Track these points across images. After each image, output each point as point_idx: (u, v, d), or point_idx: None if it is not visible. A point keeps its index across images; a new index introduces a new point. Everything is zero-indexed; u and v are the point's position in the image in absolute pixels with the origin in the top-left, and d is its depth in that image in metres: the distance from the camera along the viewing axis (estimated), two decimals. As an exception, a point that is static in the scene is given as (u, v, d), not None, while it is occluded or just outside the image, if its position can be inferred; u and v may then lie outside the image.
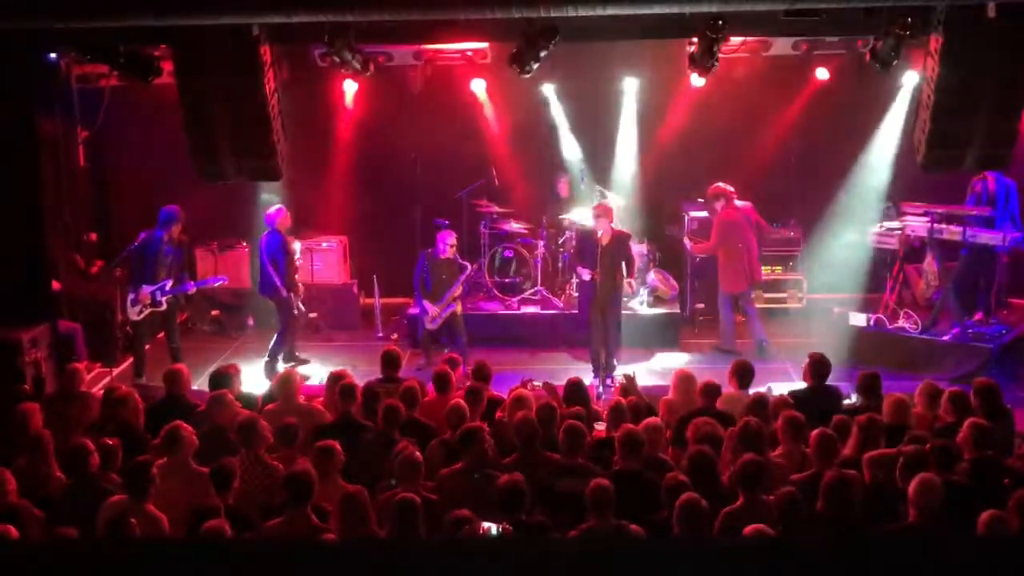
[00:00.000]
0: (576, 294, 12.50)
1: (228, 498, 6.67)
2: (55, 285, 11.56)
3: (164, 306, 11.56)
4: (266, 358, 11.84)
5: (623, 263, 11.42)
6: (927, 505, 6.20)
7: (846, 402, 8.69)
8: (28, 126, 10.90)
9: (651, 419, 7.71)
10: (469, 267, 12.02)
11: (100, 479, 7.07)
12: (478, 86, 13.24)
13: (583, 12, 9.02)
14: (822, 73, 12.90)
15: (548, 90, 13.75)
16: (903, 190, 12.72)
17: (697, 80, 11.98)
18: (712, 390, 8.34)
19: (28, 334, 10.57)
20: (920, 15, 9.71)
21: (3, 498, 6.67)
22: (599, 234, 11.21)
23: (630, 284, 11.52)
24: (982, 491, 6.66)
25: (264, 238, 12.03)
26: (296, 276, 12.22)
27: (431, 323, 12.00)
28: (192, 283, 11.95)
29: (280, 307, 12.03)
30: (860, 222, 12.88)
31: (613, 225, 11.40)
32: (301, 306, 12.23)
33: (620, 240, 11.39)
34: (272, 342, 11.98)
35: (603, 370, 11.32)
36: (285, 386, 8.66)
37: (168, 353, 11.78)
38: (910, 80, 12.25)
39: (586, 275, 11.31)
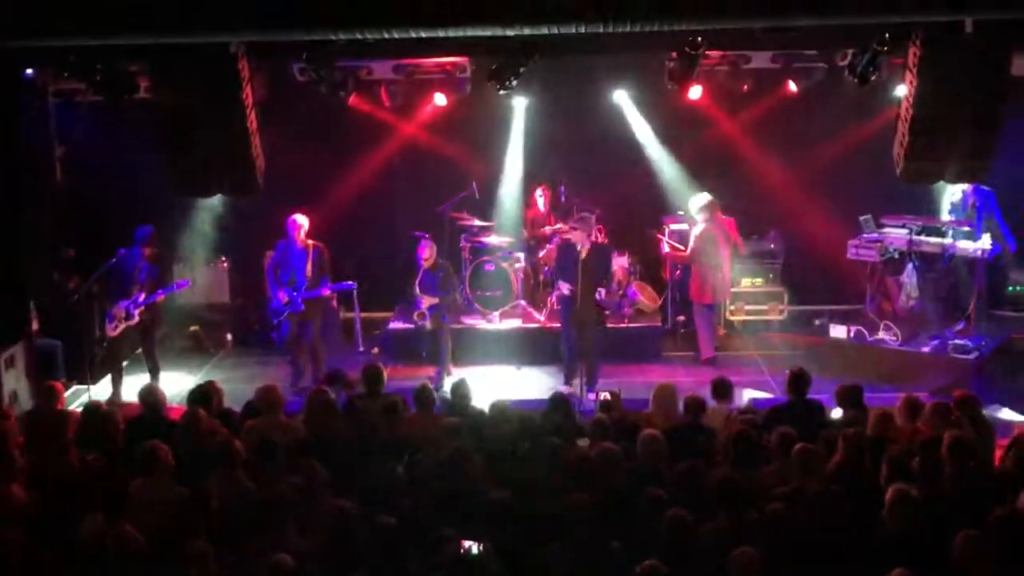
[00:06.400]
0: (558, 307, 12.46)
1: (207, 520, 6.60)
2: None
3: (136, 319, 11.43)
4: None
5: (603, 273, 11.40)
6: (903, 517, 6.21)
7: (833, 415, 8.67)
8: (6, 142, 10.83)
9: (648, 431, 7.67)
10: (420, 302, 12.10)
11: (80, 498, 6.99)
12: (450, 99, 13.22)
13: (560, 30, 9.07)
14: (795, 86, 12.90)
15: (530, 104, 13.78)
16: (881, 201, 12.74)
17: (694, 93, 12.12)
18: (696, 405, 8.32)
19: (4, 352, 10.50)
20: (898, 30, 9.77)
21: None
22: (578, 247, 11.20)
23: (599, 292, 11.40)
24: (962, 504, 6.66)
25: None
26: None
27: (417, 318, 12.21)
28: (161, 291, 11.78)
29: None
30: (840, 233, 12.88)
31: (592, 238, 11.38)
32: None
33: (599, 251, 11.37)
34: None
35: (585, 385, 11.28)
36: (267, 400, 8.56)
37: (146, 370, 11.70)
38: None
39: (566, 289, 11.29)
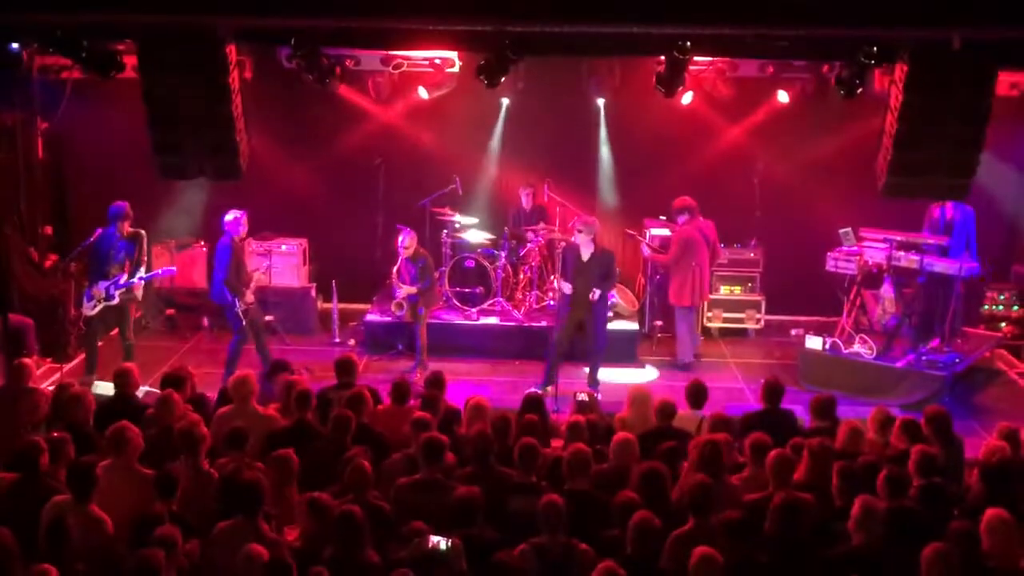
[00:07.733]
0: (551, 303, 12.64)
1: (172, 504, 6.57)
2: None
3: (116, 300, 11.36)
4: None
5: (604, 278, 11.39)
6: (869, 529, 6.25)
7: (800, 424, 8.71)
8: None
9: (622, 434, 7.67)
10: (398, 292, 12.08)
11: (47, 478, 6.94)
12: (437, 94, 13.24)
13: (549, 28, 9.09)
14: (784, 96, 13.00)
15: (516, 102, 13.78)
16: (864, 214, 12.78)
17: (684, 98, 12.43)
18: (668, 411, 8.33)
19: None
20: (886, 44, 9.80)
21: None
22: (581, 249, 11.22)
23: (593, 293, 11.38)
24: (929, 518, 6.70)
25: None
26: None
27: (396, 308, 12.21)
28: (145, 275, 11.64)
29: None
30: (820, 245, 12.93)
31: (596, 240, 11.37)
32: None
33: (603, 256, 11.35)
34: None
35: (589, 384, 11.42)
36: (240, 390, 8.50)
37: (121, 351, 11.62)
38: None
39: (567, 288, 11.29)
